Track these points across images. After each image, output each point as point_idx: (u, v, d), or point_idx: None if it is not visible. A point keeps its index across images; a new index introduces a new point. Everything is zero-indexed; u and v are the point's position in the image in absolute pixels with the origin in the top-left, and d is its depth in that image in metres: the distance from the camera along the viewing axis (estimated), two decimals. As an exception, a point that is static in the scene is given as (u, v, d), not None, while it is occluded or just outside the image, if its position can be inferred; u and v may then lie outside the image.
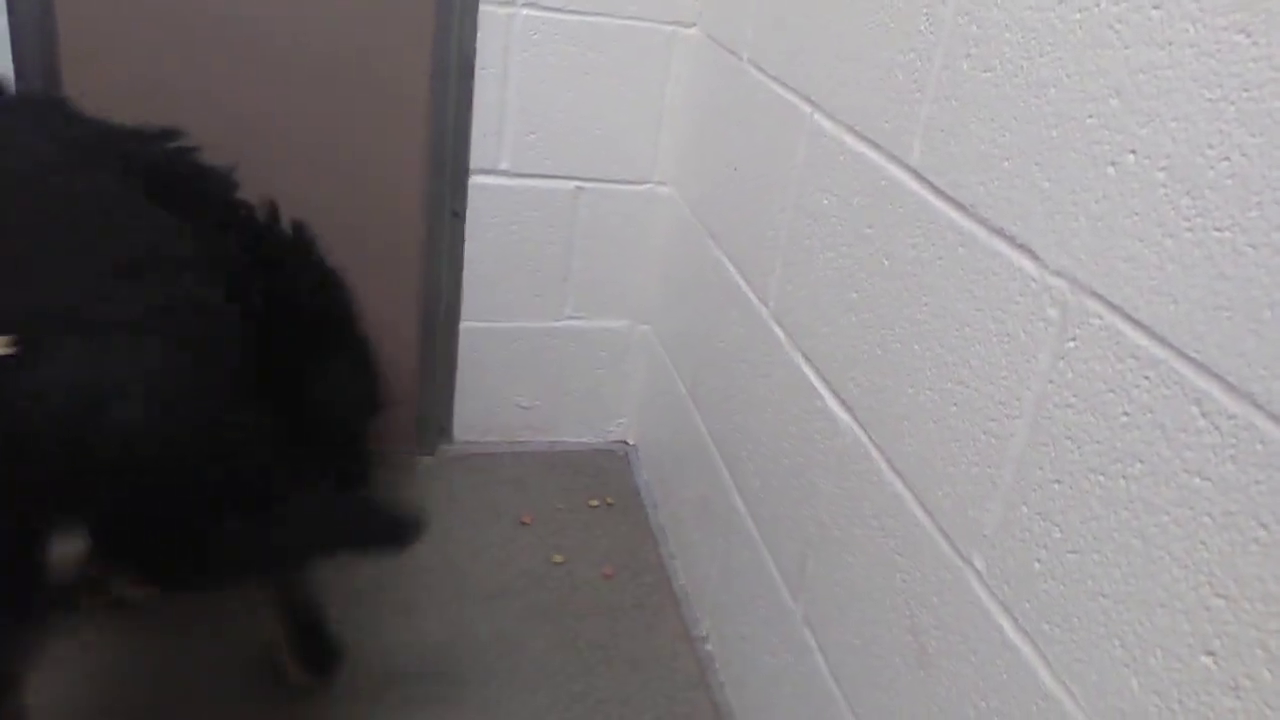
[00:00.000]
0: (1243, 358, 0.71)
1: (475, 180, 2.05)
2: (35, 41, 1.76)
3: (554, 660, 1.78)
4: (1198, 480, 0.75)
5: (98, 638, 1.67)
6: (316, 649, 1.64)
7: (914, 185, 1.16)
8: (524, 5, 1.91)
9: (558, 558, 2.04)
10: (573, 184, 2.11)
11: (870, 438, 1.24)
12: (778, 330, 1.54)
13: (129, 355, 1.09)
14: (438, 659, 1.74)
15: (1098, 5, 0.87)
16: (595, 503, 2.23)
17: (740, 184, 1.73)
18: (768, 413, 1.57)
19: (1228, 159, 0.73)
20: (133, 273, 1.17)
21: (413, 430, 2.25)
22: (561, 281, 2.22)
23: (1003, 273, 0.99)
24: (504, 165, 2.05)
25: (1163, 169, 0.79)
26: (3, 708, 1.20)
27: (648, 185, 2.15)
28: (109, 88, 1.81)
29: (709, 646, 1.83)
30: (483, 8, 1.89)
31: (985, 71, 1.02)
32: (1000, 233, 0.99)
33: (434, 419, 2.28)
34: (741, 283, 1.71)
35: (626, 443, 2.45)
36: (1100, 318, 0.85)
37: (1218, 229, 0.74)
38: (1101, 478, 0.85)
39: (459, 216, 2.08)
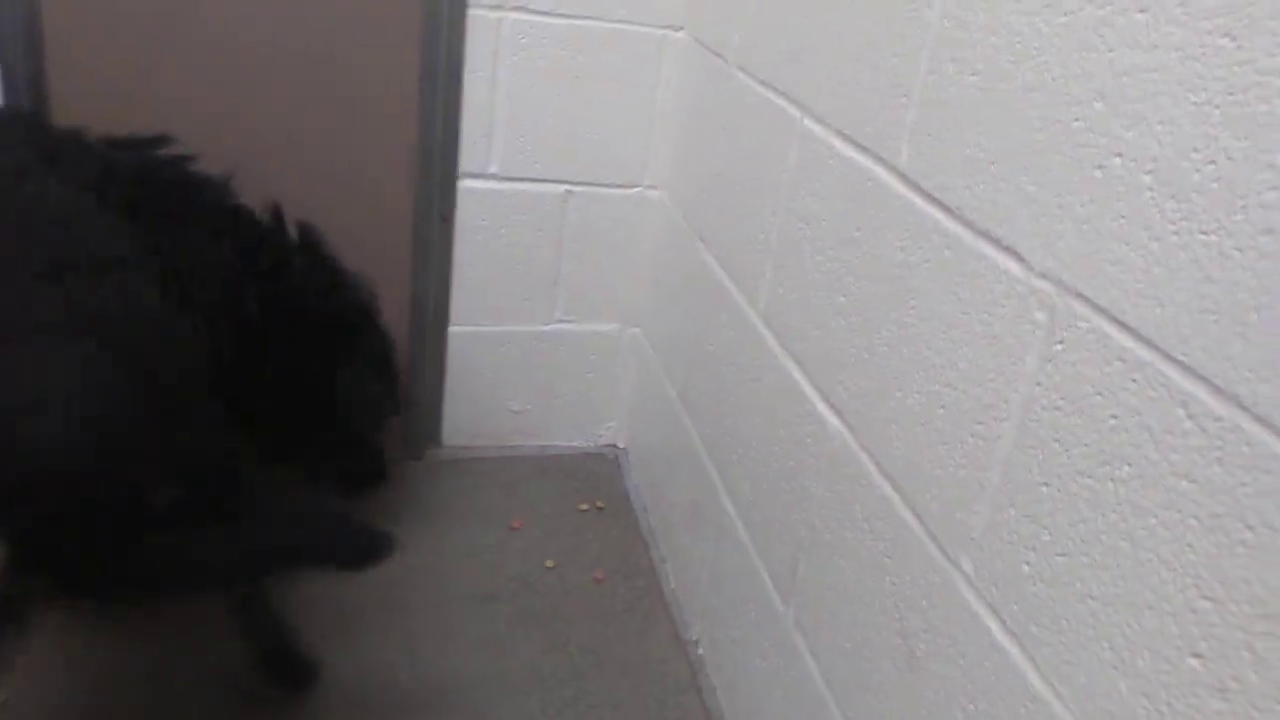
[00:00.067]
0: (1229, 360, 0.71)
1: (464, 184, 2.05)
2: (21, 48, 1.75)
3: (545, 665, 1.78)
4: (1185, 483, 0.75)
5: (84, 646, 1.66)
6: (283, 665, 1.63)
7: (901, 188, 1.16)
8: (513, 9, 1.91)
9: (548, 562, 2.03)
10: (562, 188, 2.11)
11: (859, 441, 1.24)
12: (767, 334, 1.54)
13: (46, 363, 1.06)
14: (428, 664, 1.74)
15: (1083, 9, 0.87)
16: (585, 507, 2.22)
17: (730, 188, 1.73)
18: (757, 416, 1.57)
19: (1213, 162, 0.73)
20: (54, 276, 1.14)
21: (402, 435, 2.25)
22: (551, 285, 2.21)
23: (989, 275, 0.99)
24: (493, 169, 2.05)
25: (1148, 172, 0.79)
26: None
27: (638, 189, 2.15)
28: (95, 93, 1.80)
29: (700, 650, 1.82)
30: (471, 11, 1.89)
31: (971, 75, 1.03)
32: (987, 235, 1.00)
33: (423, 424, 2.28)
34: (731, 286, 1.71)
35: (617, 446, 2.44)
36: (1087, 320, 0.86)
37: (1203, 232, 0.74)
38: (1089, 480, 0.85)
39: (448, 220, 2.07)
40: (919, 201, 1.12)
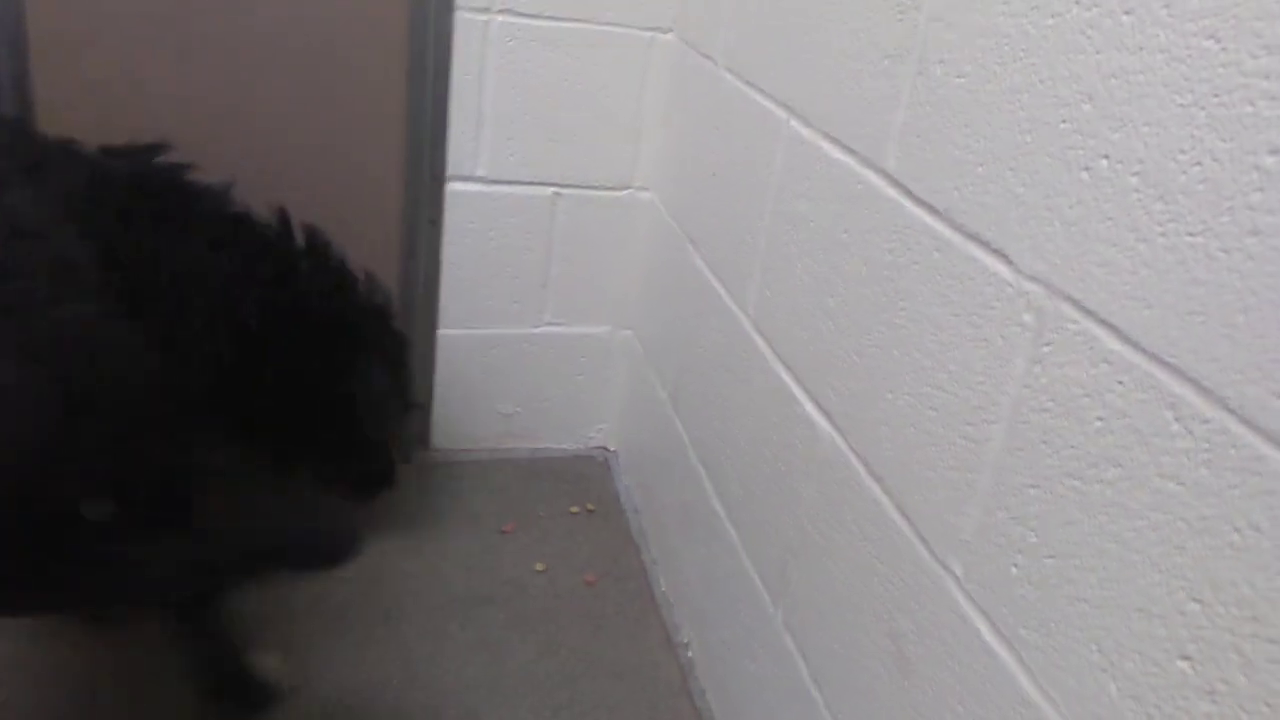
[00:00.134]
0: (1216, 363, 0.71)
1: (452, 187, 2.04)
2: (4, 50, 1.73)
3: (536, 668, 1.77)
4: (1173, 485, 0.75)
5: (72, 653, 1.65)
6: (235, 686, 1.59)
7: (890, 191, 1.16)
8: (499, 11, 1.90)
9: (539, 565, 2.03)
10: (551, 190, 2.10)
11: (849, 443, 1.24)
12: (756, 336, 1.54)
13: None
14: (420, 668, 1.73)
15: (1069, 11, 0.87)
16: (576, 509, 2.22)
17: (719, 190, 1.73)
18: (747, 419, 1.57)
19: (1199, 164, 0.73)
20: None
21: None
22: (541, 288, 2.21)
23: (978, 278, 0.99)
24: (481, 172, 2.04)
25: (1135, 174, 0.79)
26: None
27: (627, 191, 2.15)
28: (81, 97, 1.79)
29: (691, 653, 1.82)
30: (458, 14, 1.89)
31: (959, 77, 1.03)
32: (975, 238, 0.99)
33: (413, 426, 2.27)
34: (721, 288, 1.71)
35: (607, 449, 2.44)
36: (1075, 322, 0.86)
37: (1190, 234, 0.74)
38: (1077, 482, 0.85)
39: (436, 223, 2.07)
40: (907, 204, 1.12)
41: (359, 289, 1.85)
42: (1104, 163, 0.83)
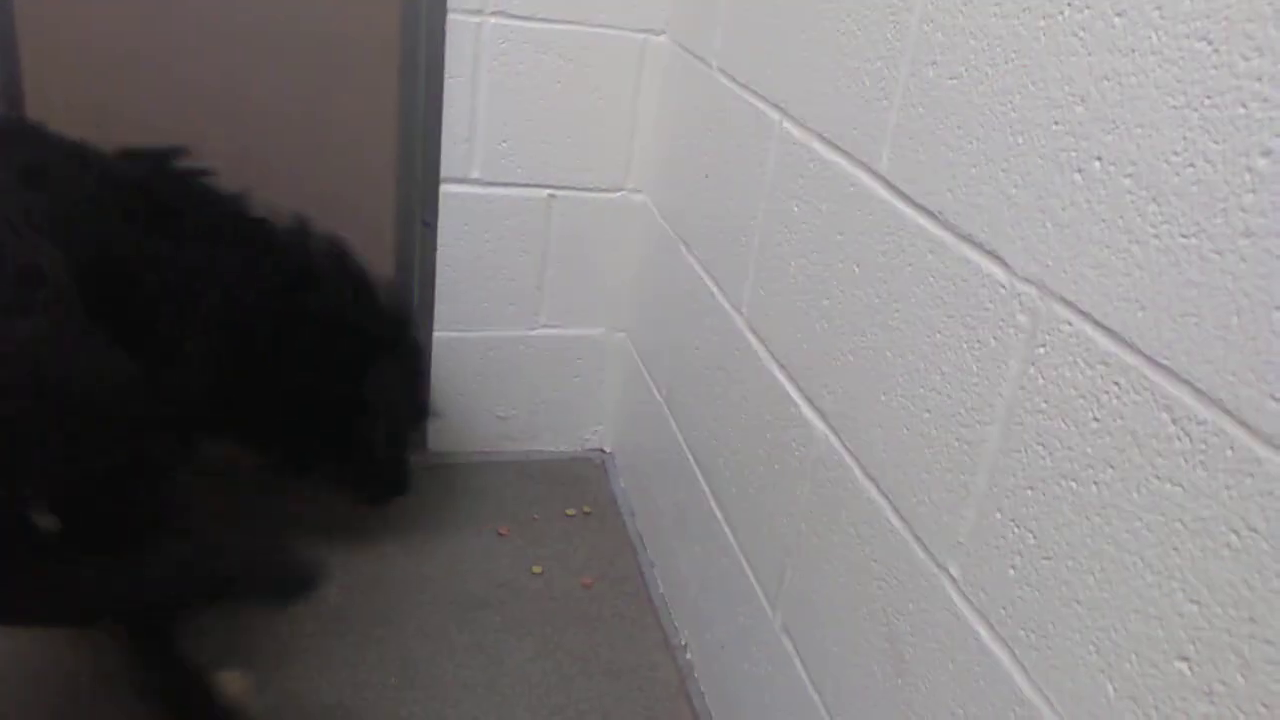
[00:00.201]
0: (1210, 364, 0.71)
1: (446, 189, 2.04)
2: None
3: (533, 671, 1.77)
4: (1169, 486, 0.75)
5: (69, 652, 1.64)
6: (193, 709, 1.53)
7: (883, 192, 1.16)
8: (493, 13, 1.90)
9: (536, 568, 2.02)
10: (545, 192, 2.10)
11: (845, 445, 1.24)
12: (751, 337, 1.54)
13: None
14: (416, 671, 1.73)
15: (1061, 13, 0.87)
16: (573, 512, 2.22)
17: (712, 191, 1.73)
18: (743, 420, 1.57)
19: (1192, 165, 0.73)
20: None
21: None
22: (535, 290, 2.20)
23: (972, 279, 0.99)
24: (475, 174, 2.04)
25: (1128, 175, 0.79)
26: None
27: (621, 193, 2.14)
28: (70, 99, 1.79)
29: (689, 655, 1.82)
30: (451, 16, 1.88)
31: (951, 79, 1.03)
32: (969, 239, 0.99)
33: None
34: (715, 290, 1.71)
35: (603, 451, 2.44)
36: (1069, 324, 0.86)
37: (1184, 235, 0.74)
38: (1073, 484, 0.85)
39: (430, 226, 2.06)
40: (900, 205, 1.12)
41: (378, 297, 1.86)
42: (1097, 164, 0.83)
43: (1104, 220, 0.82)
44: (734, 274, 1.62)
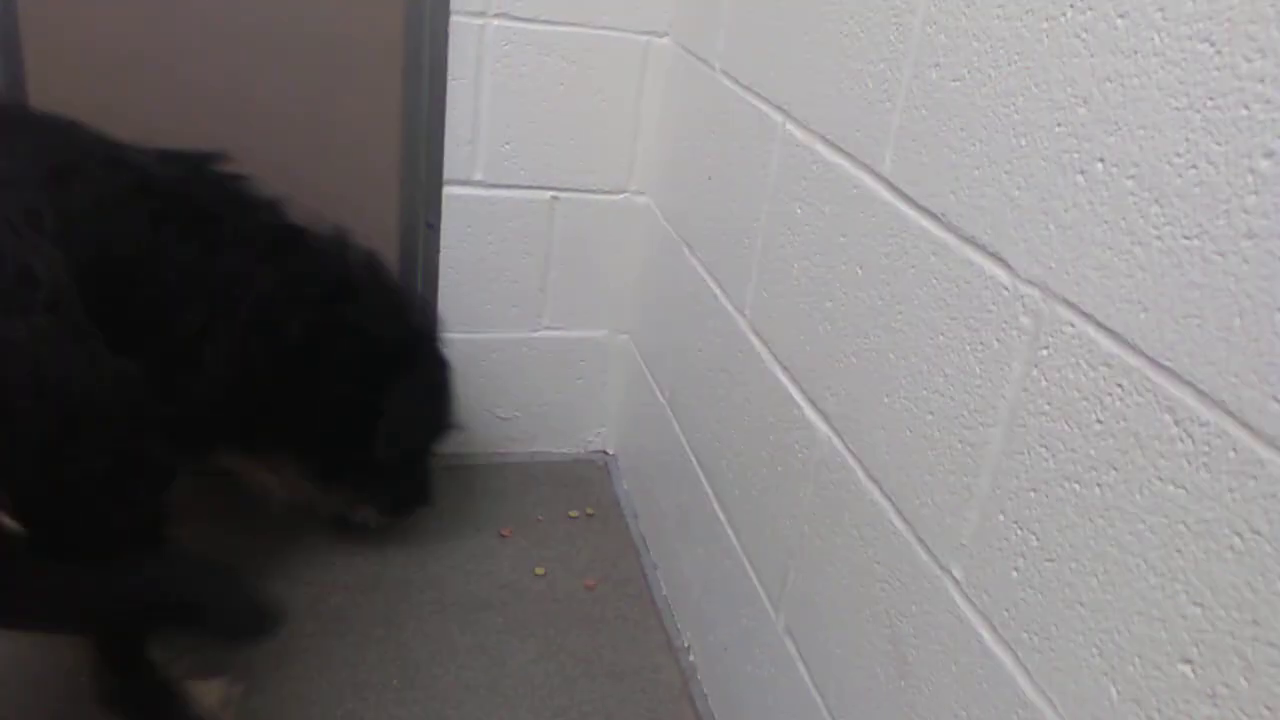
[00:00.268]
0: (1213, 366, 0.71)
1: (449, 191, 2.04)
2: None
3: (536, 673, 1.77)
4: (1171, 488, 0.75)
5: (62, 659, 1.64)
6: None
7: (886, 194, 1.16)
8: (495, 15, 1.90)
9: (538, 570, 2.02)
10: (548, 194, 2.10)
11: (848, 447, 1.24)
12: (754, 339, 1.54)
13: None
14: (419, 673, 1.73)
15: (1064, 14, 0.87)
16: (575, 514, 2.22)
17: (715, 193, 1.73)
18: (746, 422, 1.57)
19: (1195, 167, 0.73)
20: None
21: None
22: (538, 292, 2.21)
23: (975, 281, 0.99)
24: (478, 176, 2.04)
25: (1131, 177, 0.79)
26: None
27: (624, 195, 2.15)
28: (72, 93, 1.79)
29: (692, 657, 1.82)
30: (454, 18, 1.89)
31: (954, 81, 1.03)
32: (972, 241, 0.99)
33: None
34: (718, 292, 1.71)
35: (606, 453, 2.44)
36: (1072, 326, 0.86)
37: (1186, 237, 0.74)
38: (1077, 486, 0.85)
39: (433, 228, 2.07)
40: (903, 207, 1.12)
41: (410, 310, 1.89)
42: (1099, 166, 0.83)
43: (1106, 222, 0.82)
44: (737, 276, 1.62)
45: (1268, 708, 0.66)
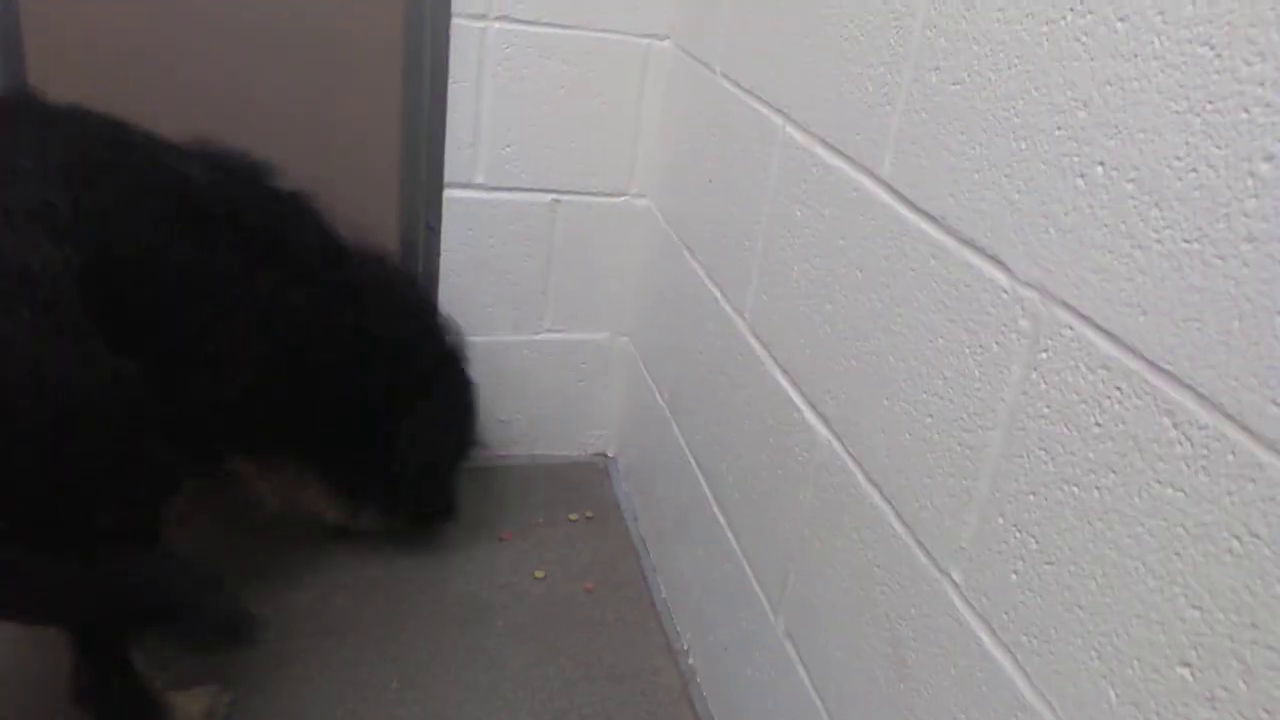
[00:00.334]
0: (1213, 369, 0.71)
1: (450, 194, 2.04)
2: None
3: (535, 676, 1.77)
4: (1170, 491, 0.75)
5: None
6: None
7: (886, 197, 1.16)
8: (496, 18, 1.91)
9: (538, 572, 2.02)
10: (549, 196, 2.11)
11: (847, 449, 1.24)
12: (754, 342, 1.54)
13: None
14: (418, 676, 1.73)
15: (1064, 18, 0.87)
16: (575, 516, 2.22)
17: (715, 196, 1.73)
18: (746, 425, 1.57)
19: (1195, 170, 0.73)
20: None
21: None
22: (539, 295, 2.21)
23: (975, 284, 0.99)
24: (479, 179, 2.04)
25: (1131, 180, 0.79)
26: None
27: (625, 198, 2.15)
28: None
29: (691, 660, 1.82)
30: (455, 20, 1.89)
31: (954, 84, 1.03)
32: (971, 244, 0.99)
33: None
34: (718, 295, 1.71)
35: (606, 455, 2.44)
36: (1071, 329, 0.86)
37: (1186, 240, 0.74)
38: (1075, 489, 0.85)
39: (434, 230, 2.07)
40: (903, 210, 1.12)
41: (445, 336, 1.93)
42: (1099, 169, 0.83)
43: (1106, 225, 0.82)
44: (737, 279, 1.62)
45: (1266, 711, 0.66)
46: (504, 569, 2.02)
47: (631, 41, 1.99)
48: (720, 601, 1.67)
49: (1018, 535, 0.92)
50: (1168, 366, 0.75)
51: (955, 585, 1.01)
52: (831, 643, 1.27)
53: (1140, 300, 0.78)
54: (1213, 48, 0.72)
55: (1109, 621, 0.80)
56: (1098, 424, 0.82)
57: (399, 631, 1.82)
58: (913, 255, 1.10)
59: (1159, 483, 0.76)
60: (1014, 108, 0.94)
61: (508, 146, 2.02)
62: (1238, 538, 0.69)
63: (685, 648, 1.85)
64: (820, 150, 1.32)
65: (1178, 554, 0.74)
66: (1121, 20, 0.81)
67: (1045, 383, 0.89)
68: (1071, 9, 0.86)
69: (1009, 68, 0.94)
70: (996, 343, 0.95)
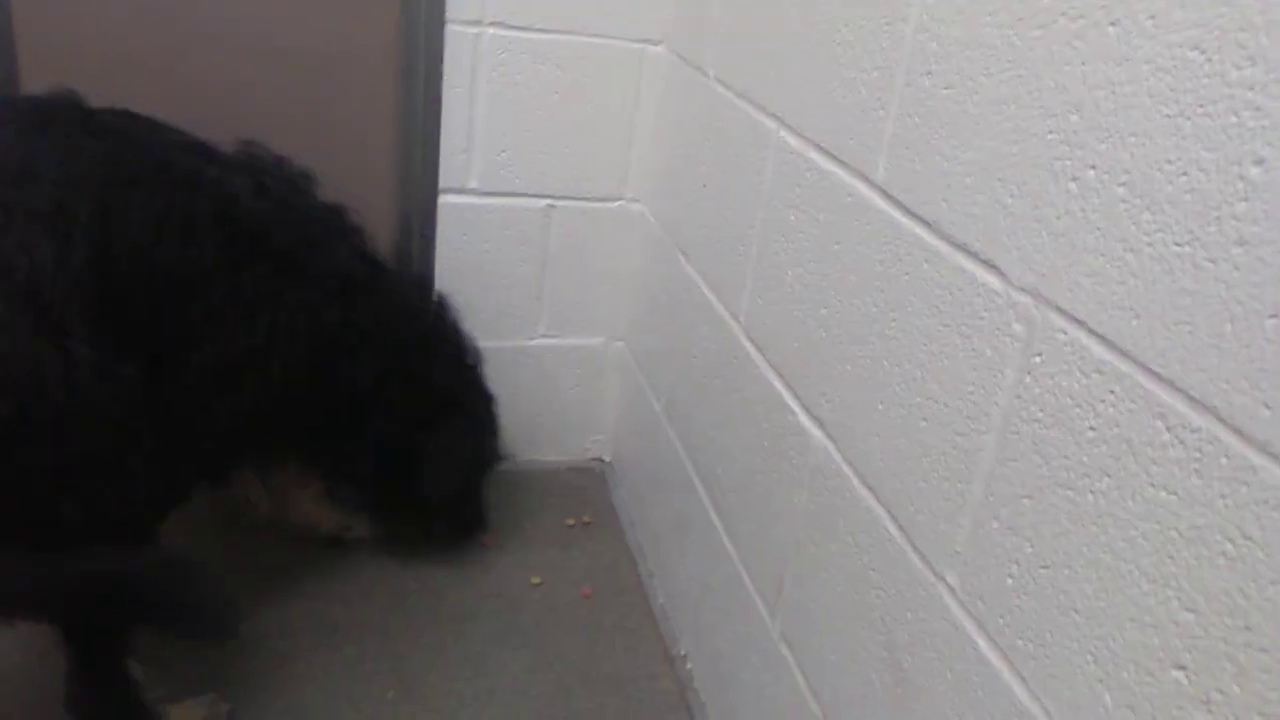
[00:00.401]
0: (1205, 372, 0.71)
1: (445, 199, 2.04)
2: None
3: (533, 682, 1.77)
4: (1164, 494, 0.75)
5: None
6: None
7: (880, 202, 1.16)
8: (491, 24, 1.91)
9: (535, 578, 2.02)
10: (544, 202, 2.11)
11: (842, 453, 1.24)
12: (749, 346, 1.54)
13: None
14: (414, 683, 1.72)
15: (1055, 22, 0.88)
16: (572, 522, 2.21)
17: (710, 201, 1.73)
18: (742, 429, 1.57)
19: (1186, 174, 0.73)
20: None
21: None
22: (534, 300, 2.21)
23: (968, 288, 0.99)
24: (474, 184, 2.04)
25: (1122, 184, 0.80)
26: None
27: (619, 203, 2.15)
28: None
29: (689, 666, 1.82)
30: (449, 27, 1.89)
31: (946, 89, 1.03)
32: (965, 249, 1.00)
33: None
34: (713, 299, 1.71)
35: (602, 460, 2.44)
36: (1065, 333, 0.86)
37: (1177, 243, 0.74)
38: (1069, 492, 0.85)
39: (428, 236, 2.07)
40: (897, 215, 1.12)
41: (470, 355, 1.95)
42: (1091, 173, 0.83)
43: (1098, 229, 0.82)
44: (732, 283, 1.62)
45: (1261, 713, 0.66)
46: (500, 575, 2.02)
47: (625, 47, 2.00)
48: (717, 606, 1.67)
49: (1013, 539, 0.92)
50: (1160, 370, 0.75)
51: (950, 589, 1.01)
52: (827, 647, 1.27)
53: (1133, 304, 0.78)
54: (1203, 52, 0.72)
55: (1104, 625, 0.80)
56: (1091, 428, 0.82)
57: (395, 639, 1.82)
58: (907, 260, 1.10)
59: (1153, 486, 0.76)
60: (1006, 112, 0.94)
61: (502, 152, 2.03)
62: (1231, 540, 0.69)
63: (682, 653, 1.85)
64: (814, 155, 1.33)
65: (1171, 557, 0.74)
66: (1113, 25, 0.81)
67: (1039, 386, 0.89)
68: (1063, 13, 0.87)
69: (1001, 72, 0.95)
70: (990, 347, 0.96)
